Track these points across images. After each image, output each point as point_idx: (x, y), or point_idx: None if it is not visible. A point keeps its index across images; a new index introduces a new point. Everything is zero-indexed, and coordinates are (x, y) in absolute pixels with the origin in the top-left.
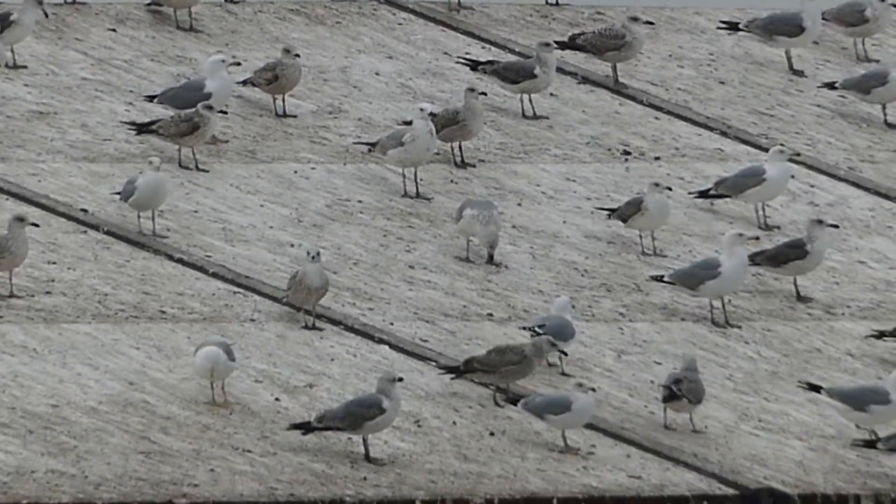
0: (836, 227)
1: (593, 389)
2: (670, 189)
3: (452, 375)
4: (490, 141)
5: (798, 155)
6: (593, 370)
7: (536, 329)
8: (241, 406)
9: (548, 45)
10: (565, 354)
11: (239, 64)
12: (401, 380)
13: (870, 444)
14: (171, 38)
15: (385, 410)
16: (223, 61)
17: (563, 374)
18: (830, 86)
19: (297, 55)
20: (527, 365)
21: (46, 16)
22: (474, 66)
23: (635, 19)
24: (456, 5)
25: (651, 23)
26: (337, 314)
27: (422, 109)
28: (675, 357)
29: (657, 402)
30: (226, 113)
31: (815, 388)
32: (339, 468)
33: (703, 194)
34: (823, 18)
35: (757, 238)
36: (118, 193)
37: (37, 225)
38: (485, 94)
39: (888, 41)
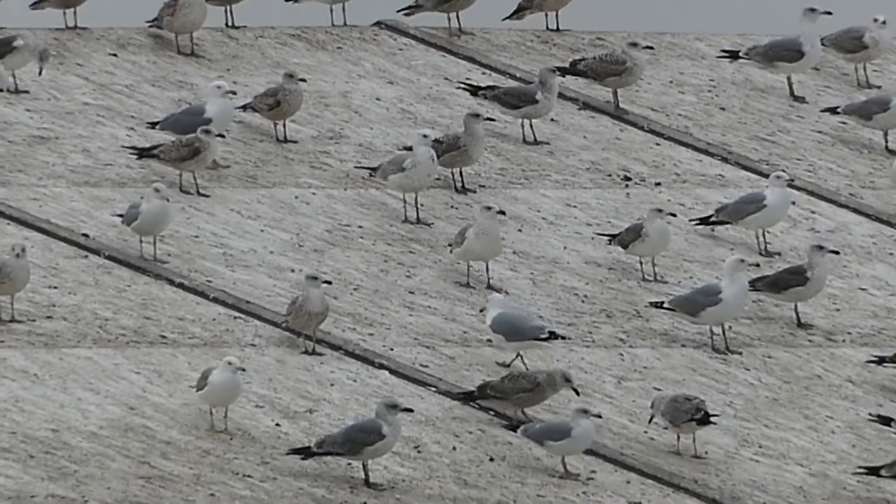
0: (837, 253)
1: (598, 416)
2: (674, 215)
3: (465, 400)
4: (490, 166)
5: (793, 180)
6: (593, 396)
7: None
8: (241, 431)
9: (553, 71)
10: (578, 394)
11: (234, 93)
12: (410, 410)
13: (873, 471)
14: (172, 63)
15: (385, 436)
16: (219, 87)
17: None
18: (833, 111)
19: (303, 80)
20: (539, 393)
21: (40, 73)
22: (475, 91)
23: (635, 45)
24: (456, 31)
25: (651, 47)
26: (337, 339)
27: (425, 136)
28: (675, 383)
29: (657, 428)
30: (224, 137)
31: (886, 421)
32: (338, 493)
33: (704, 221)
34: (822, 45)
35: (757, 265)
36: (121, 216)
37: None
38: (492, 119)
39: (889, 67)
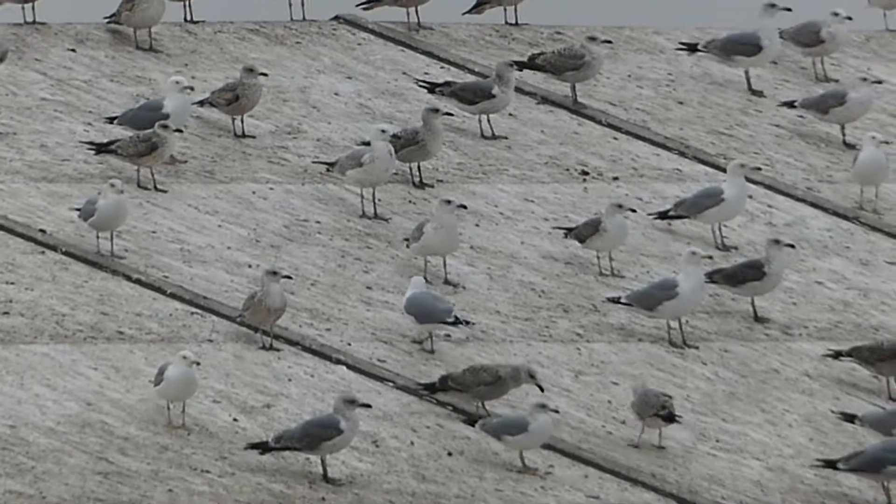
0: (792, 246)
1: (556, 411)
2: (633, 211)
3: (426, 392)
4: (448, 161)
5: (759, 170)
6: (551, 390)
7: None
8: (199, 427)
9: (510, 65)
10: (542, 390)
11: (192, 88)
12: (368, 406)
13: (830, 465)
14: (130, 59)
15: (342, 431)
16: (178, 83)
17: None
18: (790, 104)
19: (264, 74)
20: (500, 386)
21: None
22: (432, 88)
23: (594, 39)
24: (415, 25)
25: (609, 42)
26: (294, 335)
27: (383, 131)
28: (632, 377)
29: (615, 422)
30: (181, 132)
31: (850, 418)
32: (297, 488)
33: (663, 215)
34: (780, 38)
35: (710, 257)
36: (78, 209)
37: None
38: (451, 114)
39: (847, 60)
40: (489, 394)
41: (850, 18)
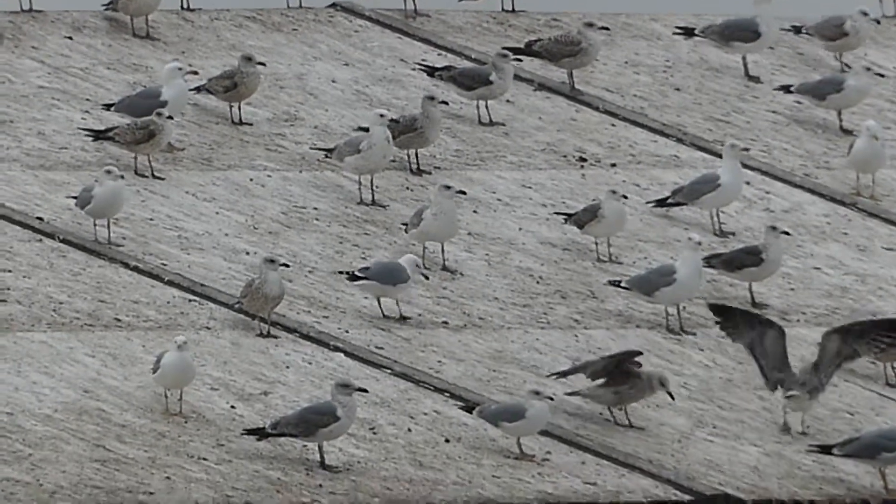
0: (788, 233)
1: (551, 398)
2: (626, 197)
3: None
4: (446, 148)
5: (747, 150)
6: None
7: (357, 273)
8: (196, 414)
9: (505, 56)
10: (672, 398)
11: (196, 73)
12: (364, 391)
13: (826, 450)
14: (127, 46)
15: (339, 418)
16: (179, 69)
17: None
18: (786, 89)
19: (261, 63)
20: (640, 389)
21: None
22: (431, 72)
23: (590, 25)
24: (412, 12)
25: (606, 28)
26: (292, 322)
27: (382, 115)
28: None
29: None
30: (173, 118)
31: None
32: (294, 475)
33: (661, 203)
34: (806, 33)
35: (699, 243)
36: (75, 197)
37: None
38: (446, 103)
39: (870, 55)
40: (629, 397)
41: (877, 22)
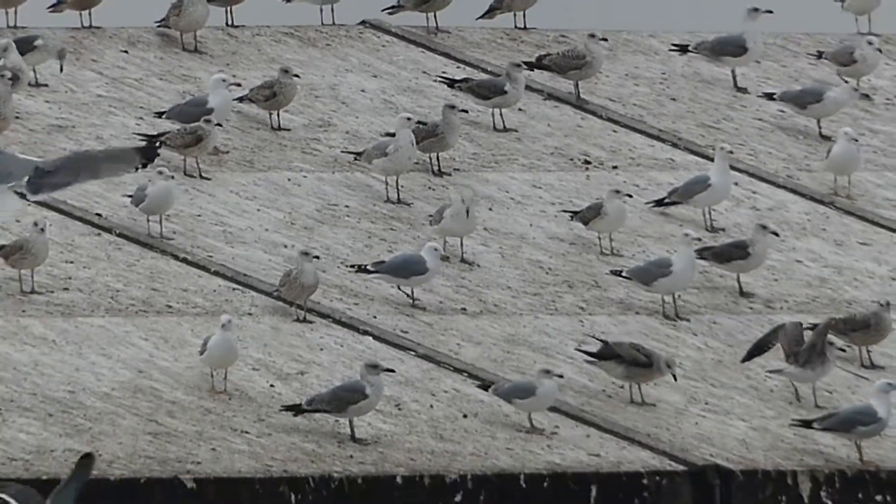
0: (777, 234)
1: (560, 376)
2: (630, 196)
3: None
4: (464, 151)
5: (731, 153)
6: (557, 357)
7: (369, 268)
8: (239, 392)
9: (518, 65)
10: (675, 379)
11: (239, 85)
12: (391, 370)
13: (806, 424)
14: (177, 59)
15: (368, 396)
16: (223, 80)
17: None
18: (769, 96)
19: (297, 76)
20: (650, 371)
21: (61, 70)
22: (451, 83)
23: (593, 36)
24: (434, 29)
25: (605, 39)
26: (325, 308)
27: (408, 119)
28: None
29: (614, 387)
30: (221, 126)
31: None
32: (327, 447)
33: (659, 203)
34: (823, 57)
35: (699, 239)
36: (130, 196)
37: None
38: (466, 111)
39: (878, 83)
40: (639, 375)
41: (879, 51)
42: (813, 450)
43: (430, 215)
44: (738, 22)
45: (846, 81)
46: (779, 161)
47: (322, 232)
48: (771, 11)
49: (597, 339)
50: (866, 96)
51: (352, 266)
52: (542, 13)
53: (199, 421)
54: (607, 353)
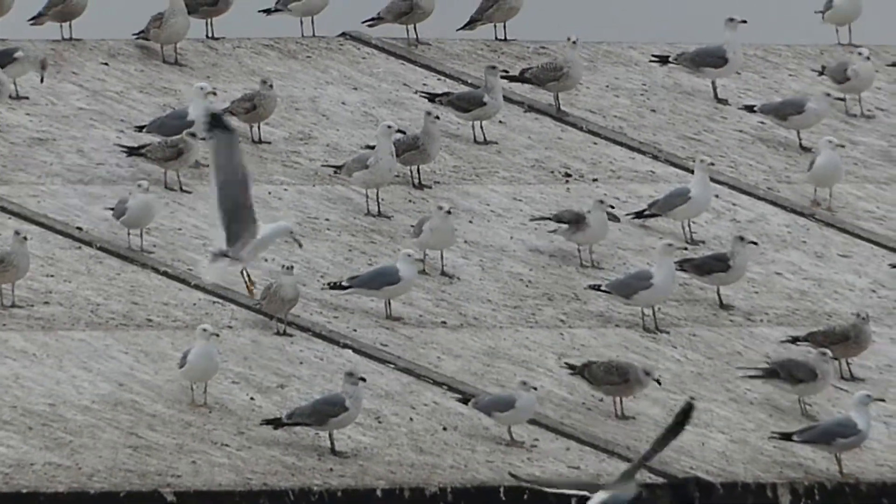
0: (756, 244)
1: (535, 388)
2: (613, 207)
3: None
4: (445, 164)
5: (713, 164)
6: (537, 370)
7: (342, 284)
8: (219, 405)
9: (493, 67)
10: (659, 384)
11: (215, 94)
12: (363, 380)
13: (786, 437)
14: (157, 71)
15: (348, 408)
16: (202, 88)
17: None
18: (750, 108)
19: (271, 85)
20: (629, 386)
21: (42, 80)
22: (431, 98)
23: (573, 42)
24: (414, 41)
25: (575, 42)
26: (306, 321)
27: (389, 127)
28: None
29: (593, 399)
30: (205, 139)
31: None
32: (307, 460)
33: (639, 215)
34: (821, 74)
35: (685, 248)
36: (111, 209)
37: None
38: (438, 117)
39: (803, 72)
40: (615, 392)
41: (868, 59)
42: (793, 462)
43: (412, 226)
44: (718, 34)
45: (843, 99)
46: (759, 173)
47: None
48: (745, 21)
49: (568, 364)
50: (841, 99)
51: (327, 284)
52: (522, 25)
53: (180, 434)
54: (582, 373)
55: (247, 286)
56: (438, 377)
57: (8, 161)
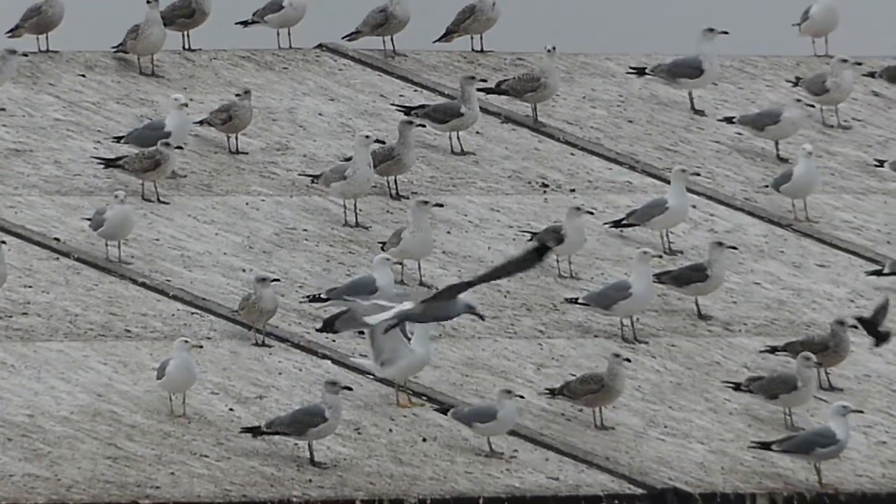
0: (735, 248)
1: (521, 397)
2: (591, 213)
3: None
4: (422, 175)
5: (697, 174)
6: (515, 381)
7: (322, 297)
8: (198, 416)
9: (471, 78)
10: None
11: (186, 105)
12: (348, 388)
13: (765, 447)
14: (134, 83)
15: (327, 419)
16: (176, 99)
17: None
18: (729, 120)
19: (247, 92)
20: (607, 393)
21: (26, 55)
22: (407, 111)
23: (549, 51)
24: (391, 52)
25: (550, 50)
26: (284, 332)
27: (367, 136)
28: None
29: (573, 410)
30: (182, 149)
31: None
32: (286, 471)
33: (617, 224)
34: (796, 85)
35: (660, 256)
36: (88, 220)
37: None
38: (423, 125)
39: (779, 83)
40: (596, 401)
41: (859, 63)
42: (772, 472)
43: (381, 242)
44: (693, 45)
45: (813, 106)
46: (736, 183)
47: (280, 256)
48: (726, 32)
49: (548, 389)
50: (811, 106)
51: (306, 297)
52: (498, 36)
53: (159, 445)
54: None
55: (407, 398)
56: (417, 388)
57: None
